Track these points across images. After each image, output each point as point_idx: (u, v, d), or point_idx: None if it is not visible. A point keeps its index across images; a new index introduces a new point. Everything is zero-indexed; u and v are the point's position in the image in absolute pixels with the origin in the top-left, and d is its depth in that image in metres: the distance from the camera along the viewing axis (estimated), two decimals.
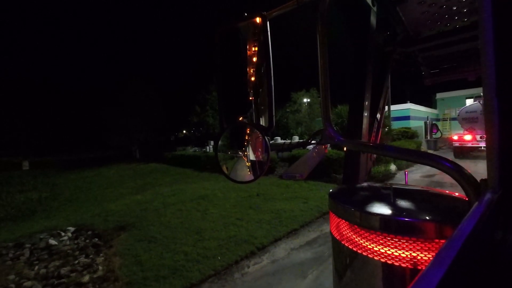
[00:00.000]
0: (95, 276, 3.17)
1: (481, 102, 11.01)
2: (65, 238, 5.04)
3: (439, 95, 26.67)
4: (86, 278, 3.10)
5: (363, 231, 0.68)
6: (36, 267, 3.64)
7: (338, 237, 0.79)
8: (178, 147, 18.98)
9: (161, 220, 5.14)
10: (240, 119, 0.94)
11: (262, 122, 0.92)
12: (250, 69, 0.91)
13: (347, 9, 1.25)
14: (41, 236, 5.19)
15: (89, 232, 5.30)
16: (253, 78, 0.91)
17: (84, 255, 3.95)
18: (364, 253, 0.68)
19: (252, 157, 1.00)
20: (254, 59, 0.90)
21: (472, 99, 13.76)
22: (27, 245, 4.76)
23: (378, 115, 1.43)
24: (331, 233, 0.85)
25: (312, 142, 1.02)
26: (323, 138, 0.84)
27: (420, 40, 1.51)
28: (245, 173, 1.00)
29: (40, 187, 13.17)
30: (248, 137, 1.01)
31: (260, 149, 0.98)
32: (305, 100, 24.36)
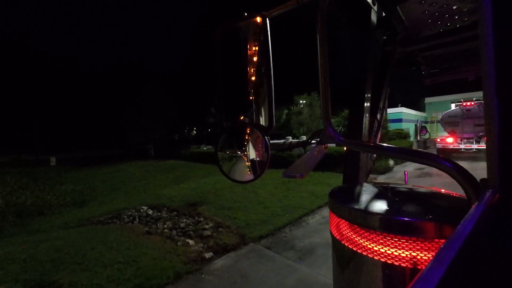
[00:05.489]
0: (210, 226, 4.80)
1: (461, 107, 12.86)
2: (150, 212, 6.57)
3: (427, 100, 29.14)
4: (206, 227, 4.73)
5: (363, 231, 0.70)
6: (158, 224, 5.23)
7: (338, 237, 0.81)
8: (193, 145, 20.48)
9: (224, 198, 6.76)
10: (241, 118, 0.96)
11: (262, 121, 0.94)
12: (250, 69, 0.92)
13: (348, 9, 1.25)
14: (129, 212, 6.70)
15: (165, 208, 6.85)
16: (253, 78, 0.93)
17: (184, 219, 5.54)
18: (364, 253, 0.70)
19: (252, 156, 1.01)
20: (255, 58, 0.91)
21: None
22: (124, 216, 6.28)
23: (379, 115, 1.43)
24: (331, 233, 0.87)
25: (312, 142, 1.03)
26: (323, 137, 0.85)
27: (421, 39, 1.50)
28: (245, 173, 1.01)
29: (73, 180, 14.40)
30: (248, 137, 1.01)
31: (260, 149, 0.99)
32: (304, 101, 26.19)
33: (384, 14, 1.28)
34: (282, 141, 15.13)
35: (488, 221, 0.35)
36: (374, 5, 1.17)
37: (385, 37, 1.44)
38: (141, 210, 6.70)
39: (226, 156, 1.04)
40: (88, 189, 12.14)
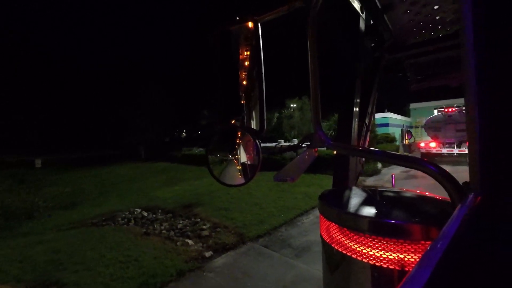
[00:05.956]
0: (207, 226, 4.90)
1: (443, 114, 13.44)
2: (145, 214, 6.56)
3: (412, 105, 30.35)
4: (204, 227, 4.82)
5: (352, 234, 0.71)
6: (155, 226, 5.26)
7: (328, 240, 0.81)
8: (184, 148, 20.39)
9: (219, 199, 6.86)
10: (233, 122, 0.96)
11: (254, 125, 0.95)
12: (242, 73, 0.93)
13: (337, 16, 1.29)
14: (123, 214, 6.66)
15: (160, 210, 6.85)
16: (245, 82, 0.94)
17: (180, 220, 5.60)
18: (353, 256, 0.70)
19: (243, 160, 1.01)
20: (246, 62, 0.92)
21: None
22: (119, 218, 6.25)
23: (367, 120, 1.47)
24: (321, 236, 0.87)
25: (303, 145, 1.07)
26: (313, 141, 0.88)
27: (407, 47, 1.57)
28: (236, 176, 1.01)
29: (61, 183, 13.99)
30: (239, 140, 1.02)
31: (251, 152, 0.99)
32: (295, 105, 26.71)
33: (372, 22, 1.33)
34: (274, 144, 15.38)
35: (471, 223, 0.36)
36: (362, 12, 1.22)
37: (373, 44, 1.49)
38: (135, 212, 6.68)
39: (217, 159, 1.04)
40: (77, 191, 11.86)
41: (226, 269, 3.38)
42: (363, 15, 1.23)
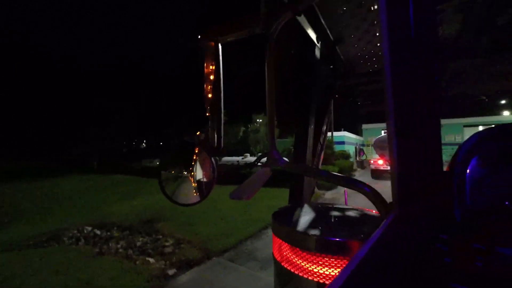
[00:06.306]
0: (170, 243, 4.69)
1: (384, 134, 15.37)
2: (98, 232, 5.97)
3: (364, 126, 33.91)
4: (166, 244, 4.61)
5: (300, 251, 0.73)
6: (110, 244, 4.82)
7: (278, 259, 0.83)
8: (145, 159, 19.15)
9: (183, 214, 6.62)
10: (198, 133, 0.96)
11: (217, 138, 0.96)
12: (207, 86, 0.95)
13: (294, 44, 1.39)
14: (69, 233, 5.95)
15: (115, 228, 6.31)
16: (210, 95, 0.95)
17: (140, 237, 5.23)
18: (300, 274, 0.73)
19: (199, 177, 0.98)
20: (212, 76, 0.94)
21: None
22: (64, 238, 5.57)
23: (321, 139, 1.58)
24: (273, 255, 0.88)
25: (258, 164, 1.08)
26: (268, 160, 0.90)
27: (355, 75, 1.78)
28: (191, 194, 0.98)
29: None
30: (196, 156, 0.99)
31: (207, 169, 0.97)
32: (261, 120, 27.58)
33: (326, 51, 1.47)
34: (239, 158, 15.49)
35: (389, 236, 0.41)
36: (318, 42, 1.33)
37: (327, 71, 1.62)
38: (85, 231, 6.03)
39: (171, 176, 0.99)
40: (7, 207, 10.12)
41: (190, 286, 3.30)
42: (319, 45, 1.35)
